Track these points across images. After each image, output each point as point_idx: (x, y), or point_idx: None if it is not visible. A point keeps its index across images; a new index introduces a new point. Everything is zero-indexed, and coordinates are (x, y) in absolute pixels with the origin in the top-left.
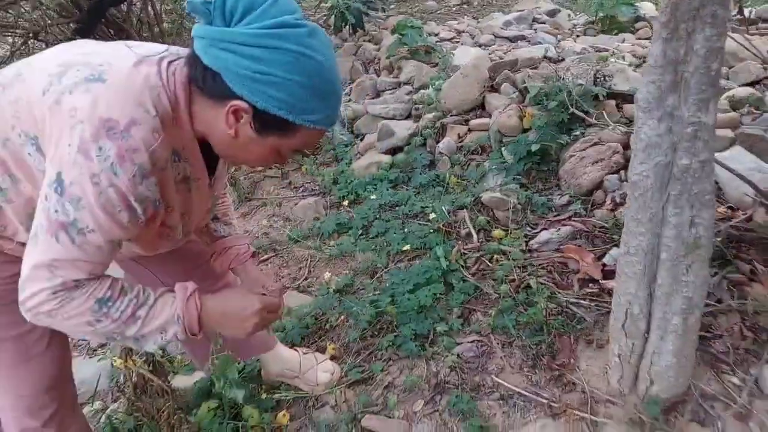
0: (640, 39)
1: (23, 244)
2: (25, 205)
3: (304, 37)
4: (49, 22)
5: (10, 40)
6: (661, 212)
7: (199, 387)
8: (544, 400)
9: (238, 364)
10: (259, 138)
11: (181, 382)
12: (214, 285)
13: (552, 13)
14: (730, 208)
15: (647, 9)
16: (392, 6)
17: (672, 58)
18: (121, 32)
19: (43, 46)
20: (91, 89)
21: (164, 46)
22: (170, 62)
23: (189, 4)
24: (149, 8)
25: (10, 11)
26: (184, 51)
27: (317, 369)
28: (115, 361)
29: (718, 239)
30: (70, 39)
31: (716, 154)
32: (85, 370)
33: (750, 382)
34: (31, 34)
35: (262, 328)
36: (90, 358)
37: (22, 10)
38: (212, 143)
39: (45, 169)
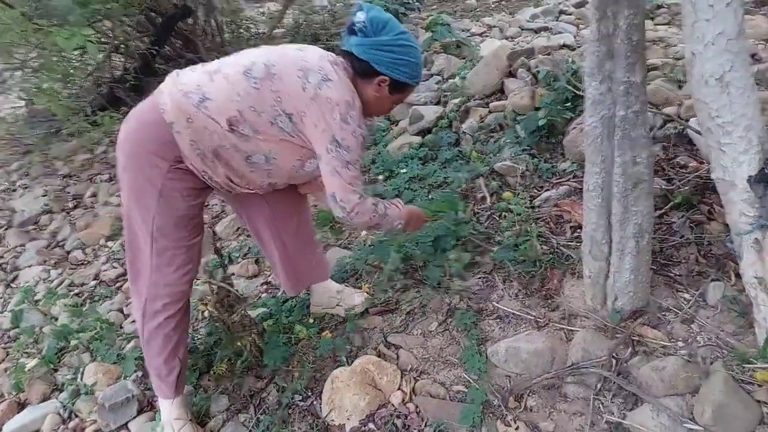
0: (658, 25)
1: (229, 179)
2: (253, 148)
3: (410, 36)
4: (128, 37)
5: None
6: (610, 155)
7: (261, 317)
8: (532, 317)
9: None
10: (390, 96)
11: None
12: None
13: (579, 5)
14: (700, 162)
15: None
16: (434, 6)
17: (605, 33)
18: (188, 42)
19: (122, 59)
20: (330, 86)
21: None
22: (337, 62)
23: (346, 29)
24: (212, 21)
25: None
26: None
27: (353, 295)
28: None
29: (686, 188)
30: (147, 51)
31: (692, 120)
32: None
33: (696, 297)
34: (113, 49)
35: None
36: None
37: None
38: (363, 104)
39: (290, 130)
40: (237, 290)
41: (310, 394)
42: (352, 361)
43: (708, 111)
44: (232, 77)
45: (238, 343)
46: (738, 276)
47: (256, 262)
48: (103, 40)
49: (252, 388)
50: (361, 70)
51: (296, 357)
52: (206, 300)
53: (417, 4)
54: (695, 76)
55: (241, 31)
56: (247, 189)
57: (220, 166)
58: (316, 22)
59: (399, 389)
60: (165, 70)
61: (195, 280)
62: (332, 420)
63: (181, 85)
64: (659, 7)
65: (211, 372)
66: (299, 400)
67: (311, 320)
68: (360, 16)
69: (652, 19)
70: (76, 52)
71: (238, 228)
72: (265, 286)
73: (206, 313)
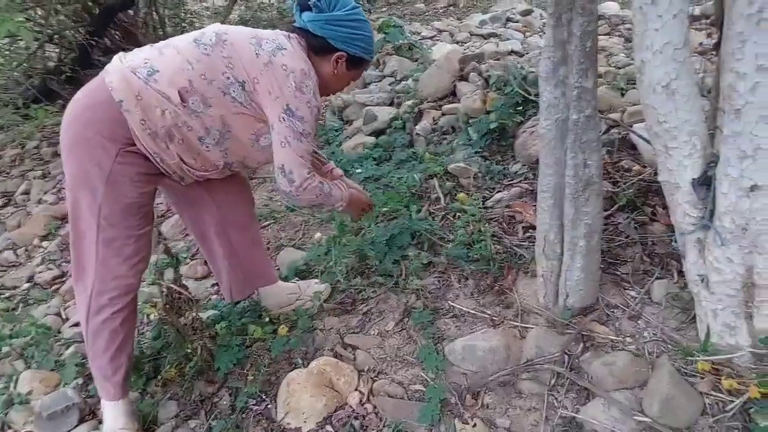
0: (600, 35)
1: (182, 160)
2: (208, 123)
3: (361, 10)
4: (64, 27)
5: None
6: (562, 157)
7: (213, 319)
8: (488, 316)
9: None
10: (347, 72)
11: None
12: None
13: (525, 13)
14: (643, 166)
15: (610, 8)
16: (383, 9)
17: (560, 40)
18: (128, 34)
19: (57, 50)
20: (284, 54)
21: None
22: (291, 36)
23: (297, 4)
24: (153, 14)
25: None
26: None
27: (313, 286)
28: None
29: (631, 190)
30: (84, 42)
31: (635, 125)
32: None
33: (642, 294)
34: (47, 39)
35: (360, 217)
36: None
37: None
38: (320, 81)
39: (243, 100)
40: (189, 291)
41: (264, 397)
42: (309, 363)
43: (656, 116)
44: (182, 47)
45: (189, 347)
46: (681, 274)
47: (206, 263)
48: (35, 29)
49: (203, 392)
50: (317, 47)
51: (250, 360)
52: (153, 302)
53: (368, 5)
54: (644, 83)
55: (185, 25)
56: (201, 172)
57: (172, 147)
58: (263, 19)
59: (357, 390)
60: (104, 62)
61: (143, 275)
62: (288, 423)
63: (128, 62)
64: (600, 17)
65: (159, 377)
66: (253, 404)
67: (266, 320)
68: None
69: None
70: (5, 41)
71: (185, 228)
72: (215, 287)
73: (152, 316)
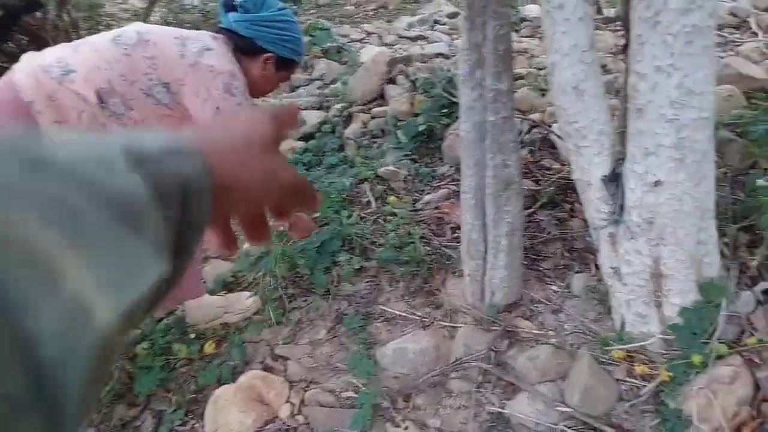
0: (522, 36)
1: None
2: (129, 126)
3: (289, 11)
4: None
5: None
6: (482, 158)
7: (133, 338)
8: (418, 317)
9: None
10: (276, 73)
11: None
12: None
13: (452, 16)
14: (563, 164)
15: (533, 11)
16: (312, 11)
17: (475, 43)
18: (37, 39)
19: None
20: (211, 54)
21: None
22: (217, 37)
23: (222, 5)
24: (65, 17)
25: None
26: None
27: (241, 299)
28: None
29: (551, 188)
30: None
31: (554, 125)
32: None
33: (563, 288)
34: None
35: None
36: None
37: None
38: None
39: (167, 101)
40: None
41: (191, 416)
42: (237, 378)
43: (566, 117)
44: (100, 46)
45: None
46: (597, 267)
47: None
48: None
49: (123, 416)
50: (244, 48)
51: (176, 378)
52: None
53: (294, 6)
54: (555, 85)
55: (100, 28)
56: None
57: None
58: (186, 21)
59: (287, 402)
60: (7, 68)
61: None
62: None
63: (39, 61)
64: (523, 20)
65: None
66: (179, 425)
67: (192, 337)
68: None
69: (517, 31)
70: None
71: None
72: None
73: None
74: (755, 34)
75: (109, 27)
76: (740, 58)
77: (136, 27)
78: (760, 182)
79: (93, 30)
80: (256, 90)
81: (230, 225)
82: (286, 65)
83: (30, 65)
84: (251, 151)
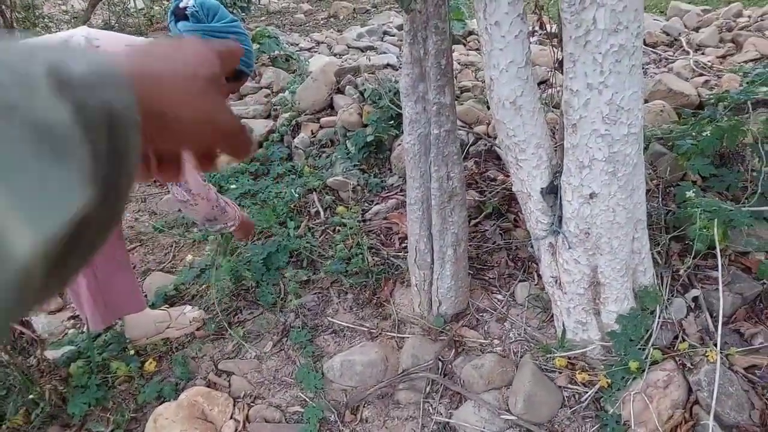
0: (469, 49)
1: None
2: None
3: (240, 23)
4: None
5: None
6: (427, 170)
7: (68, 356)
8: (366, 329)
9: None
10: (226, 85)
11: (51, 355)
12: None
13: (401, 27)
14: (507, 175)
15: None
16: (262, 18)
17: (417, 57)
18: None
19: None
20: None
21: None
22: None
23: (172, 13)
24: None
25: None
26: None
27: (185, 313)
28: None
29: (496, 199)
30: None
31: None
32: None
33: (508, 297)
34: None
35: (246, 240)
36: None
37: None
38: None
39: None
40: (32, 330)
41: None
42: (179, 395)
43: (506, 131)
44: None
45: (35, 391)
46: (540, 276)
47: (60, 294)
48: None
49: None
50: None
51: (114, 397)
52: None
53: (242, 14)
54: (494, 99)
55: (38, 29)
56: None
57: None
58: (129, 25)
59: (231, 418)
60: None
61: None
62: None
63: None
64: (471, 33)
65: (2, 426)
66: None
67: (131, 353)
68: (188, 1)
69: (464, 44)
70: None
71: None
72: (72, 321)
73: None
74: (686, 52)
75: (48, 29)
76: (672, 75)
77: (83, 32)
78: (689, 194)
79: (31, 32)
80: None
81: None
82: (235, 77)
83: None
84: (194, 86)
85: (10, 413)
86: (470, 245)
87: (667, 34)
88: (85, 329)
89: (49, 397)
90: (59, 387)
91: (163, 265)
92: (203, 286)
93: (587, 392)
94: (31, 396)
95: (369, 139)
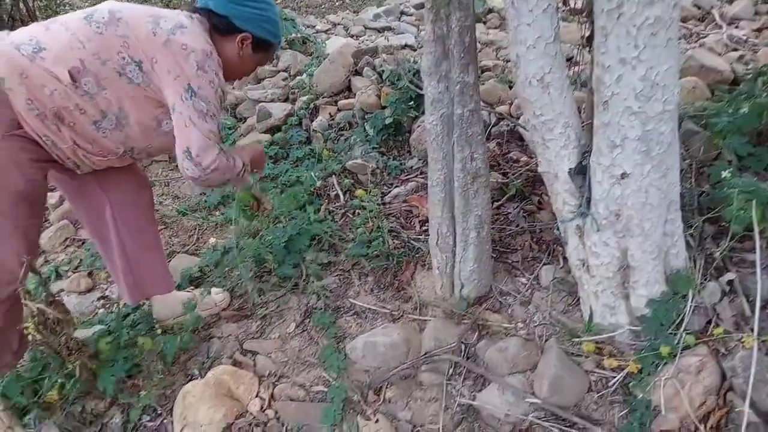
0: (489, 28)
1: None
2: (103, 106)
3: None
4: None
5: None
6: (450, 151)
7: (99, 335)
8: (388, 311)
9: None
10: (253, 55)
11: (81, 334)
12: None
13: (419, 6)
14: (530, 156)
15: (499, 2)
16: (278, 1)
17: (439, 35)
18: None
19: None
20: (184, 32)
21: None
22: (191, 16)
23: None
24: (21, 4)
25: None
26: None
27: (211, 294)
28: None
29: (519, 180)
30: None
31: (521, 118)
32: None
33: (532, 280)
34: None
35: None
36: None
37: None
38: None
39: (140, 81)
40: (62, 308)
41: (159, 412)
42: (206, 373)
43: (532, 109)
44: (72, 24)
45: (69, 366)
46: (565, 259)
47: (89, 275)
48: None
49: (94, 411)
50: (220, 27)
51: (143, 374)
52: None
53: None
54: (520, 77)
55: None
56: (99, 158)
57: (64, 129)
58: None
59: (257, 396)
60: None
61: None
62: None
63: (11, 39)
64: (490, 11)
65: (39, 400)
66: (147, 421)
67: (159, 332)
68: None
69: (484, 23)
70: None
71: (66, 238)
72: (101, 301)
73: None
74: (719, 27)
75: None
76: (704, 50)
77: (108, 5)
78: (725, 174)
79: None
80: (232, 72)
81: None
82: (262, 47)
83: (1, 44)
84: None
85: (45, 389)
86: (493, 228)
87: (699, 8)
88: (114, 309)
89: (80, 373)
90: (89, 363)
91: (187, 247)
92: (227, 269)
93: (615, 377)
94: (66, 372)
95: (388, 121)
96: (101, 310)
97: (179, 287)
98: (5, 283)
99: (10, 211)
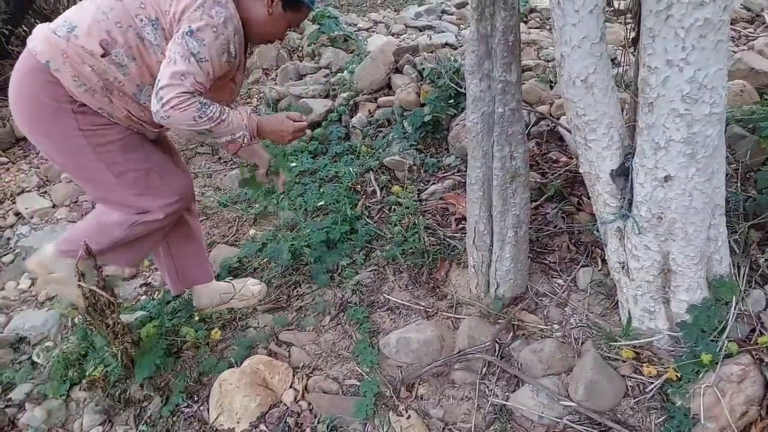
0: (531, 27)
1: (130, 113)
2: (137, 78)
3: None
4: None
5: None
6: (490, 150)
7: (141, 320)
8: (422, 307)
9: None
10: (283, 14)
11: (125, 319)
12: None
13: (460, 6)
14: (570, 157)
15: (542, 1)
16: None
17: (483, 34)
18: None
19: None
20: None
21: None
22: None
23: None
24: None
25: None
26: None
27: (249, 285)
28: (62, 309)
29: (558, 181)
30: None
31: (562, 118)
32: (35, 319)
33: (569, 282)
34: None
35: (293, 140)
36: (38, 309)
37: None
38: (250, 25)
39: (159, 42)
40: (113, 292)
41: (196, 399)
42: (242, 362)
43: (575, 109)
44: None
45: (114, 349)
46: (604, 261)
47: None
48: None
49: (132, 396)
50: None
51: (182, 361)
52: (77, 305)
53: None
54: (564, 77)
55: None
56: (154, 127)
57: (116, 100)
58: None
59: (291, 387)
60: (21, 53)
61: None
62: (221, 425)
63: (49, 25)
64: (532, 11)
65: (83, 382)
66: (184, 407)
67: (197, 320)
68: None
69: (526, 22)
70: None
71: None
72: (144, 288)
73: (77, 320)
74: None
75: None
76: (753, 53)
77: None
78: None
79: None
80: (262, 33)
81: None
82: (293, 6)
83: (41, 31)
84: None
85: (89, 369)
86: (530, 228)
87: (748, 10)
88: (155, 296)
89: (121, 358)
90: (129, 349)
91: (227, 238)
92: (264, 260)
93: (653, 383)
94: (111, 353)
95: (426, 118)
96: (143, 297)
97: (218, 277)
98: (192, 198)
99: (131, 159)
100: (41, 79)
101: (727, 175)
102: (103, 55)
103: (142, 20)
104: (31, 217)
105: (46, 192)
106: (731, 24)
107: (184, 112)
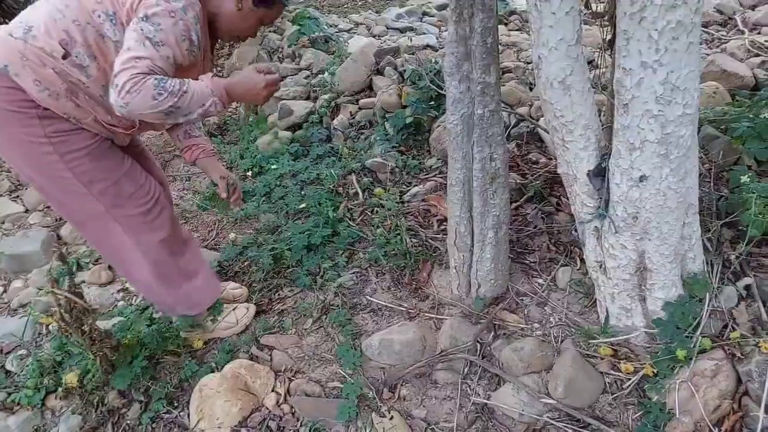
0: (510, 30)
1: (97, 117)
2: (102, 79)
3: None
4: None
5: None
6: (470, 151)
7: (119, 327)
8: (404, 309)
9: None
10: (254, 10)
11: (101, 325)
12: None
13: (441, 8)
14: (549, 158)
15: (521, 4)
16: (301, 0)
17: (462, 35)
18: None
19: None
20: None
21: None
22: None
23: None
24: None
25: None
26: None
27: (228, 289)
28: (40, 316)
29: (538, 182)
30: None
31: (541, 120)
32: (9, 326)
33: (548, 281)
34: None
35: (270, 96)
36: (11, 316)
37: None
38: (219, 20)
39: (118, 38)
40: (85, 300)
41: (176, 405)
42: (222, 367)
43: (553, 111)
44: None
45: (91, 356)
46: (583, 261)
47: (109, 267)
48: None
49: (110, 403)
50: None
51: (162, 366)
52: (52, 312)
53: None
54: (541, 78)
55: None
56: (123, 129)
57: (83, 104)
58: None
59: (273, 391)
60: None
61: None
62: (202, 430)
63: (3, 28)
64: (512, 13)
65: (59, 390)
66: (164, 413)
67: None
68: None
69: (506, 24)
70: None
71: None
72: (121, 294)
73: (51, 327)
74: (741, 32)
75: None
76: (726, 56)
77: None
78: (744, 178)
79: None
80: (232, 29)
81: None
82: (264, 1)
83: None
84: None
85: (64, 374)
86: (511, 228)
87: (721, 13)
88: (133, 301)
89: (101, 363)
90: (108, 355)
91: (207, 242)
92: (245, 264)
93: (630, 379)
94: (87, 360)
95: (408, 120)
96: (120, 302)
97: None
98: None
99: (101, 171)
100: (0, 85)
101: (700, 174)
102: (64, 57)
103: (99, 16)
104: (2, 223)
105: (18, 196)
106: (704, 27)
107: (141, 94)
